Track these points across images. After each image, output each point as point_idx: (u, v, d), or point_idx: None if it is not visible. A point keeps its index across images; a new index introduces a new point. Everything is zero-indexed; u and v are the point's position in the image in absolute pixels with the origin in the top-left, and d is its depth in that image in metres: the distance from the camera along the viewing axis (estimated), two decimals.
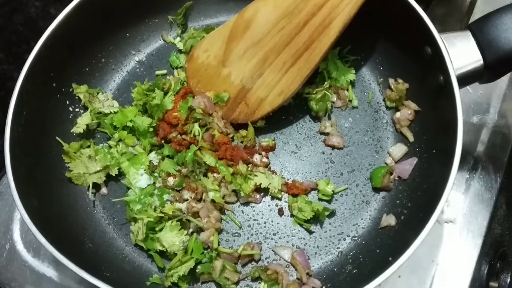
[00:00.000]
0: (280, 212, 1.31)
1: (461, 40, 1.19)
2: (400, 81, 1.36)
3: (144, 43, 1.53)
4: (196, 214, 1.26)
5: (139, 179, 1.30)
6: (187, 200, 1.28)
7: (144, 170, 1.31)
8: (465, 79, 1.19)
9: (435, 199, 1.08)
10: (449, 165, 1.09)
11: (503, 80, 1.40)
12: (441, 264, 1.29)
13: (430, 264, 1.29)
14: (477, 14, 1.61)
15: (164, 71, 1.50)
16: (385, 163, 1.34)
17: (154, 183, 1.31)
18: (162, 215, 1.22)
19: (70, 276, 1.33)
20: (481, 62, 1.17)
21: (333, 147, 1.37)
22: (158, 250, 1.22)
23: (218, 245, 1.24)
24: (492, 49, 1.16)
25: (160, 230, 1.22)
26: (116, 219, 1.32)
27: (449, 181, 1.07)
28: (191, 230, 1.26)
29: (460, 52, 1.18)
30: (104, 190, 1.34)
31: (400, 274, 1.28)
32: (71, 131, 1.35)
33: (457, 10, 1.67)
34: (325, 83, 1.38)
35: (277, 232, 1.29)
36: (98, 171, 1.30)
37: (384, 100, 1.41)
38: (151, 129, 1.35)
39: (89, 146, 1.34)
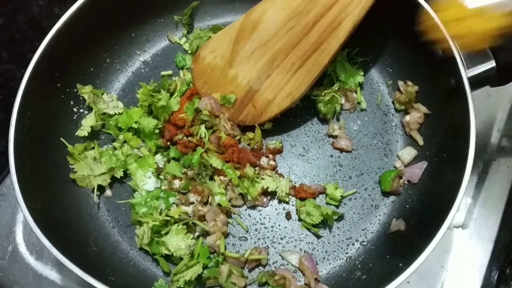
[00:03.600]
0: (288, 216, 1.29)
1: None
2: (409, 83, 1.35)
3: (150, 43, 1.51)
4: (202, 218, 1.24)
5: (146, 181, 1.28)
6: (193, 203, 1.26)
7: (152, 172, 1.29)
8: (477, 82, 1.17)
9: (447, 204, 1.07)
10: (461, 170, 1.08)
11: None
12: (450, 270, 1.28)
13: (439, 269, 1.28)
14: None
15: (170, 72, 1.48)
16: (394, 167, 1.32)
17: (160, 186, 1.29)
18: (168, 218, 1.21)
19: (73, 279, 1.32)
20: (494, 64, 1.16)
21: (341, 150, 1.35)
22: (163, 254, 1.20)
23: (225, 249, 1.22)
24: (505, 51, 1.14)
25: (166, 233, 1.20)
26: (121, 222, 1.30)
27: (462, 186, 1.06)
28: (197, 234, 1.24)
29: (472, 54, 1.16)
30: (108, 192, 1.32)
31: (409, 280, 1.25)
32: (76, 134, 1.33)
33: None
34: (334, 85, 1.37)
35: (285, 237, 1.27)
36: (103, 173, 1.29)
37: (393, 102, 1.40)
38: (157, 131, 1.33)
39: (93, 148, 1.32)
